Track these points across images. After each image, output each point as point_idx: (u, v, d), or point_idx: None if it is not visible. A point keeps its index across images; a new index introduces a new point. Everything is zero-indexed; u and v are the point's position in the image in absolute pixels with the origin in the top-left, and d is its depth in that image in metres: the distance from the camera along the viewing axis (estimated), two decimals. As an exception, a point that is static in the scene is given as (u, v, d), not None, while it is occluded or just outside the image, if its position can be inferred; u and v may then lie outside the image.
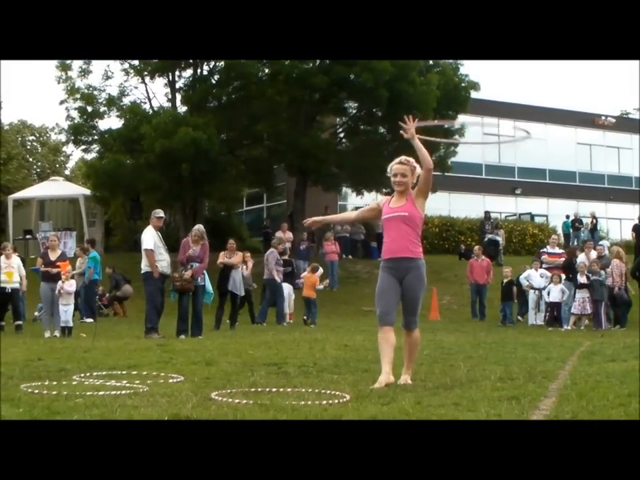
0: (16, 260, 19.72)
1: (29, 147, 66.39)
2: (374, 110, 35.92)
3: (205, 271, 18.16)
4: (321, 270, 24.40)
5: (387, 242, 8.78)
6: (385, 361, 8.36)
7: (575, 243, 37.06)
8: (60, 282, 18.27)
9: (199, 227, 18.25)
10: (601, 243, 33.44)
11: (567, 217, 43.71)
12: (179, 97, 39.32)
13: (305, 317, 23.39)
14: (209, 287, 18.82)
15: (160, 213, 18.02)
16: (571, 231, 42.06)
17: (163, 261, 17.30)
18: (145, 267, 17.25)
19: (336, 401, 6.97)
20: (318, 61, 34.00)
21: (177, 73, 38.77)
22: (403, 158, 8.94)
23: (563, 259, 24.31)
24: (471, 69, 67.38)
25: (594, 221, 43.37)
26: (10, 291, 19.47)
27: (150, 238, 17.25)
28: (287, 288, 24.04)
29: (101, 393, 7.40)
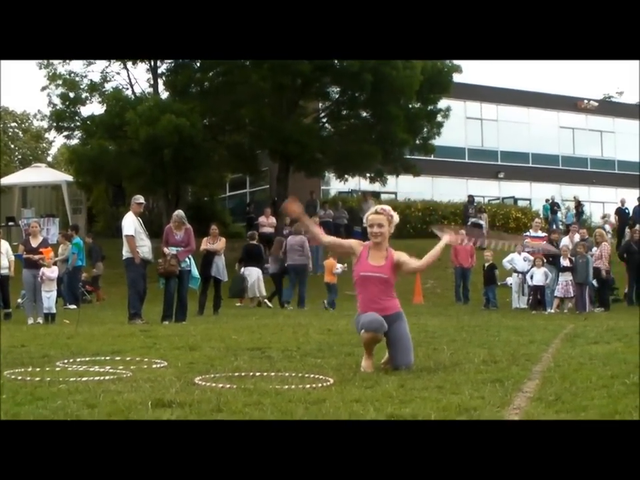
0: (4, 245, 19.51)
1: (10, 134, 66.12)
2: (356, 94, 35.87)
3: (191, 256, 18.14)
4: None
5: (366, 301, 8.40)
6: (370, 354, 8.33)
7: (553, 227, 37.13)
8: (42, 268, 18.22)
9: (178, 213, 18.23)
10: (606, 227, 33.79)
11: (547, 200, 43.86)
12: (161, 82, 39.22)
13: (325, 302, 23.90)
14: (195, 271, 18.80)
15: (140, 199, 17.96)
16: (549, 214, 42.23)
17: (144, 247, 17.26)
18: (126, 253, 17.23)
19: (319, 385, 6.98)
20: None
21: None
22: (378, 207, 8.66)
23: (546, 242, 24.36)
24: (453, 53, 67.15)
25: (579, 204, 43.61)
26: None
27: (130, 224, 17.20)
28: (255, 272, 24.26)
29: (84, 378, 7.38)
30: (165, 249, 17.51)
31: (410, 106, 35.47)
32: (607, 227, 36.95)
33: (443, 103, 37.94)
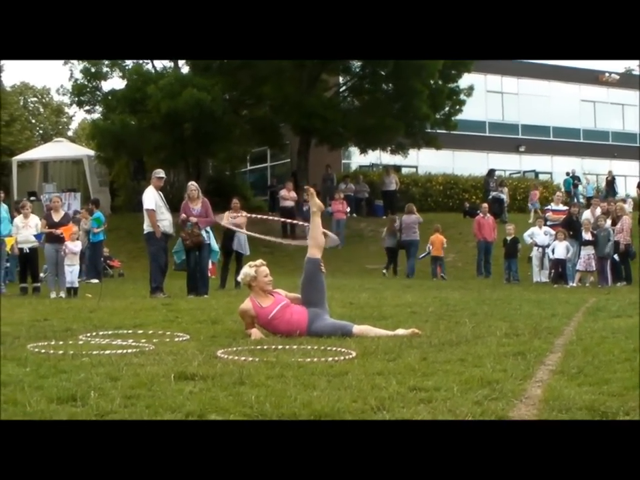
0: (34, 219, 19.62)
1: (31, 109, 66.13)
2: (378, 69, 35.76)
3: (209, 229, 18.12)
4: None
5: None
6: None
7: (575, 200, 36.98)
8: (66, 242, 18.29)
9: (192, 184, 18.21)
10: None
11: (567, 174, 43.68)
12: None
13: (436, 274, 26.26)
14: (215, 245, 18.82)
15: (160, 173, 17.96)
16: (572, 187, 42.10)
17: (165, 221, 17.26)
18: (147, 227, 17.24)
19: (342, 358, 6.99)
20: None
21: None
22: (260, 261, 9.40)
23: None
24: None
25: (613, 179, 43.46)
26: (28, 251, 19.43)
27: (151, 198, 17.21)
28: None
29: (107, 352, 7.42)
30: (185, 219, 17.37)
31: (432, 82, 35.25)
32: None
33: (464, 78, 37.79)
